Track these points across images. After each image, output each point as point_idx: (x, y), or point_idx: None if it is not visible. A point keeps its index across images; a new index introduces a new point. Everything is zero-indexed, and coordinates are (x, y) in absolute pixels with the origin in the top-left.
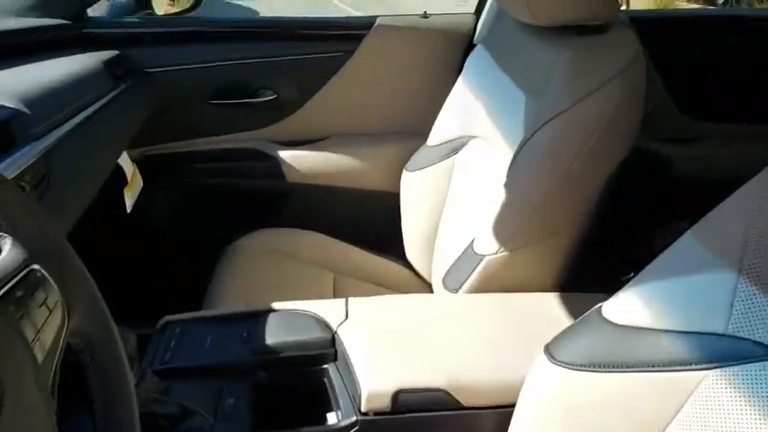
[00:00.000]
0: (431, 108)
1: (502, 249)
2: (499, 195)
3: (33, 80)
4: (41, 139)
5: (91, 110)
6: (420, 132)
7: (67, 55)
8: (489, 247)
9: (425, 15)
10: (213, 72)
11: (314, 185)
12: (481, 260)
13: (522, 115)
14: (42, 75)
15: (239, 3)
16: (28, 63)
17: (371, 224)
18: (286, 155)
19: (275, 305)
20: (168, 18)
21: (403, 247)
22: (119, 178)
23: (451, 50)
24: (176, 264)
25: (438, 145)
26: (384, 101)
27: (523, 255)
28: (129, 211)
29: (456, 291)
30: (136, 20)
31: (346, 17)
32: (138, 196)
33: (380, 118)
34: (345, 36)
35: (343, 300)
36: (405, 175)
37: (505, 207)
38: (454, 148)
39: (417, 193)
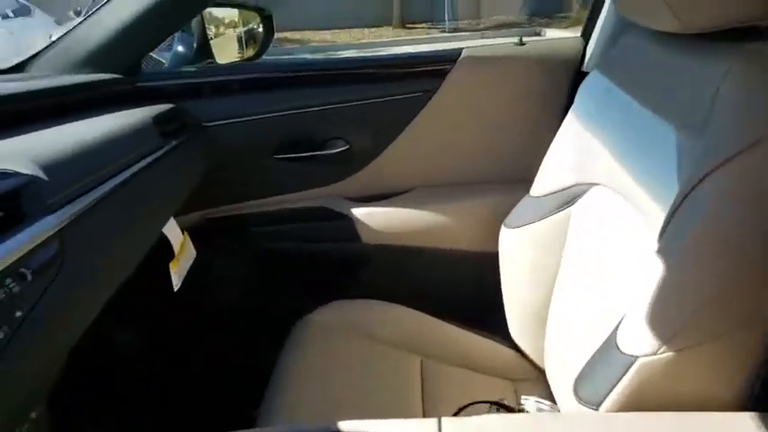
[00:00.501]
0: (534, 150)
1: (664, 349)
2: (650, 270)
3: (63, 141)
4: (59, 211)
5: (129, 173)
6: (521, 180)
7: (118, 110)
8: (643, 344)
9: (521, 42)
10: (276, 123)
11: (395, 247)
12: (632, 363)
13: (671, 158)
14: (78, 134)
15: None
16: (72, 121)
17: (465, 294)
18: (362, 212)
19: (348, 427)
20: (228, 66)
21: (505, 321)
22: (163, 250)
23: (556, 81)
24: (236, 349)
25: (546, 195)
26: (475, 144)
27: (696, 356)
28: (176, 290)
29: (597, 406)
30: (192, 69)
31: (426, 51)
32: (190, 269)
33: (472, 165)
34: (426, 73)
35: (435, 421)
36: (505, 232)
37: (665, 289)
38: (568, 198)
39: (522, 254)
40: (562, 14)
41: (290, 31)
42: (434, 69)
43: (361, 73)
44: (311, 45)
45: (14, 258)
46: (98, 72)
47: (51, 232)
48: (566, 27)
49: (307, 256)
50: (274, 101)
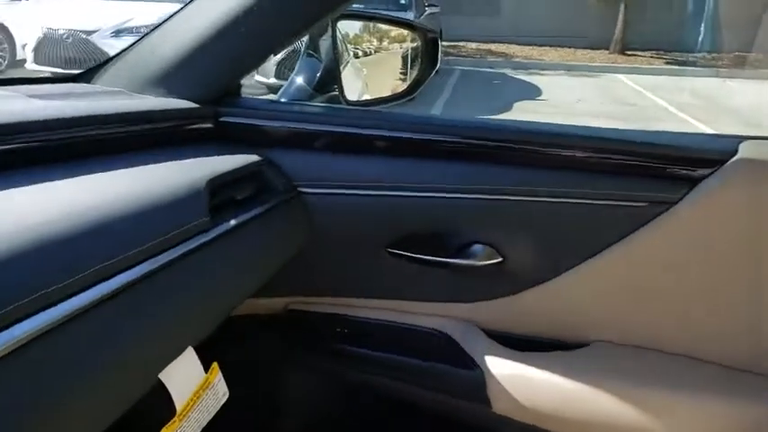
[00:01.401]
0: None
1: None
2: None
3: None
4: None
5: (138, 271)
6: None
7: (185, 155)
8: None
9: None
10: (400, 206)
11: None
12: None
13: None
14: (86, 200)
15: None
16: (107, 167)
17: None
18: (502, 363)
19: None
20: (352, 112)
21: None
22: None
23: None
24: None
25: None
26: (721, 306)
27: None
28: None
29: None
30: (295, 109)
31: (666, 134)
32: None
33: (704, 336)
34: (662, 171)
35: None
36: None
37: None
38: None
39: None
40: None
41: (497, 43)
42: (682, 169)
43: (548, 153)
44: (515, 60)
45: None
46: (173, 96)
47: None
48: None
49: (404, 405)
50: (406, 172)
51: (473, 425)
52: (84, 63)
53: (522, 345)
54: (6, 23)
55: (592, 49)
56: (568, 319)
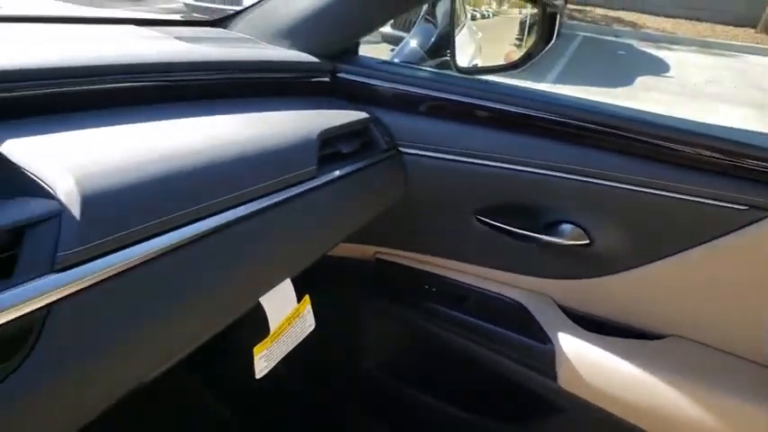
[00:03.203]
0: None
1: None
2: None
3: (164, 148)
4: (71, 271)
5: (237, 212)
6: None
7: (301, 106)
8: None
9: None
10: (493, 176)
11: (612, 419)
12: None
13: None
14: (203, 138)
15: (646, 50)
16: (231, 109)
17: None
18: (576, 343)
19: None
20: (460, 78)
21: None
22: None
23: None
24: None
25: None
26: None
27: None
28: (258, 377)
29: None
30: (406, 72)
31: None
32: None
33: None
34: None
35: None
36: None
37: None
38: None
39: None
40: None
41: (627, 11)
42: None
43: (653, 143)
44: (644, 31)
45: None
46: (297, 49)
47: (33, 306)
48: None
49: (474, 364)
50: (504, 144)
51: (537, 395)
52: None
53: (596, 327)
54: None
55: (735, 26)
56: (647, 309)
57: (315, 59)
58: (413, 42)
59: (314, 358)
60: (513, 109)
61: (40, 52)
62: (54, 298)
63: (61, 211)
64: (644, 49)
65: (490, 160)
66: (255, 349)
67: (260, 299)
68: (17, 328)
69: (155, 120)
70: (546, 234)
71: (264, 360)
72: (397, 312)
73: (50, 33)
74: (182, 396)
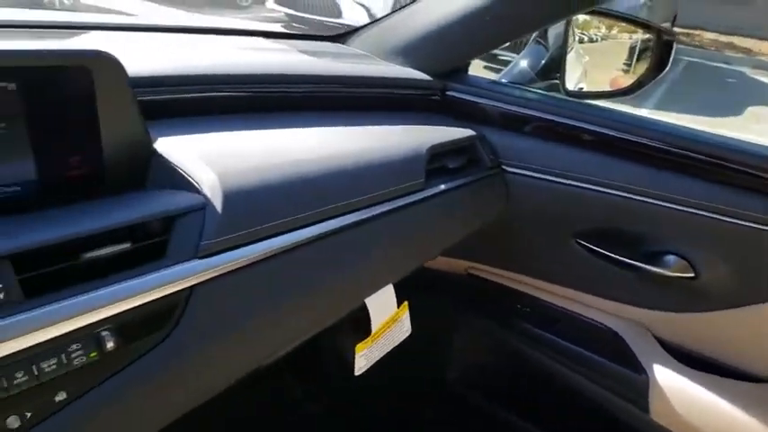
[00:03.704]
0: None
1: None
2: None
3: (294, 155)
4: (212, 258)
5: (352, 218)
6: None
7: (411, 121)
8: None
9: None
10: (596, 200)
11: None
12: None
13: None
14: (323, 147)
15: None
16: (351, 121)
17: None
18: (673, 377)
19: None
20: (569, 104)
21: None
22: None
23: None
24: None
25: None
26: None
27: None
28: (357, 374)
29: None
30: (515, 93)
31: None
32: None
33: None
34: None
35: None
36: None
37: None
38: None
39: None
40: None
41: (741, 36)
42: None
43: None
44: (759, 59)
45: (107, 314)
46: (410, 66)
47: (179, 287)
48: None
49: (564, 388)
50: (609, 169)
51: (626, 424)
52: (317, 9)
53: (693, 361)
54: None
55: None
56: (751, 350)
57: (427, 77)
58: (522, 63)
59: (401, 363)
60: (618, 134)
61: (188, 60)
62: (197, 281)
63: (205, 205)
64: (758, 77)
65: (594, 184)
66: (357, 348)
67: (365, 300)
68: (167, 304)
69: (283, 127)
70: (648, 263)
71: (364, 359)
72: (486, 328)
73: (190, 42)
74: (271, 389)
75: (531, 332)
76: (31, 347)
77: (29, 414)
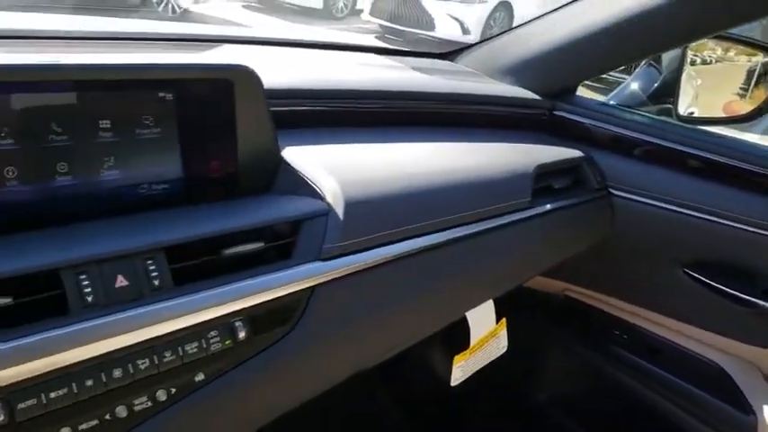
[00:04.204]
0: None
1: None
2: None
3: (406, 169)
4: (333, 261)
5: (458, 232)
6: None
7: (519, 140)
8: None
9: None
10: (709, 230)
11: None
12: None
13: None
14: (432, 164)
15: None
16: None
17: None
18: None
19: None
20: (679, 126)
21: None
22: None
23: None
24: None
25: None
26: None
27: None
28: (452, 384)
29: None
30: (624, 116)
31: None
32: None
33: None
34: None
35: None
36: None
37: None
38: None
39: None
40: None
41: None
42: None
43: None
44: None
45: (241, 306)
46: (517, 85)
47: (303, 286)
48: None
49: (661, 420)
50: (723, 199)
51: None
52: (411, 22)
53: None
54: None
55: None
56: None
57: (536, 96)
58: (634, 85)
59: (490, 378)
60: (732, 162)
61: (316, 74)
62: (318, 281)
63: (328, 211)
64: None
65: (705, 213)
66: (455, 359)
67: (466, 313)
68: (291, 301)
69: (399, 141)
70: (764, 299)
71: (461, 370)
72: (581, 352)
73: (309, 56)
74: (361, 394)
75: (629, 360)
76: (178, 330)
77: (173, 390)
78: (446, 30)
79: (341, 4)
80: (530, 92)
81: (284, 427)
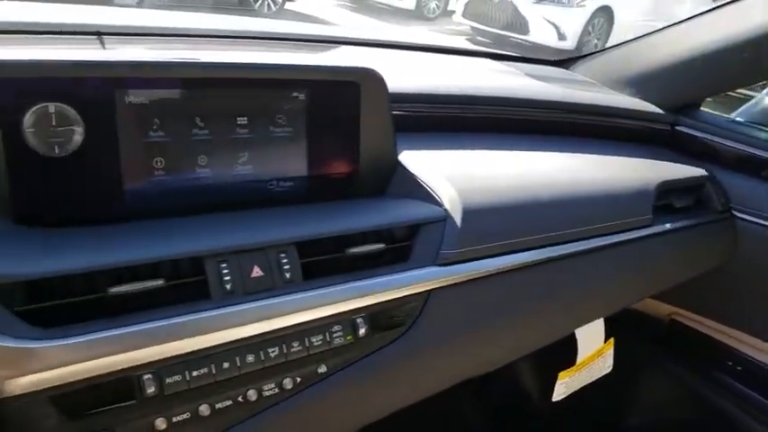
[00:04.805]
0: None
1: None
2: None
3: (531, 179)
4: (451, 267)
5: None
6: None
7: (639, 154)
8: None
9: None
10: None
11: None
12: None
13: None
14: (555, 175)
15: None
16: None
17: None
18: None
19: None
20: None
21: None
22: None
23: None
24: None
25: None
26: None
27: None
28: (554, 400)
29: None
30: (753, 133)
31: None
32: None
33: None
34: None
35: None
36: None
37: None
38: None
39: None
40: None
41: None
42: None
43: None
44: None
45: (363, 304)
46: (638, 97)
47: (420, 289)
48: None
49: None
50: None
51: None
52: (503, 24)
53: None
54: None
55: None
56: None
57: (657, 110)
58: (766, 102)
59: (588, 397)
60: None
61: (437, 79)
62: (434, 286)
63: (446, 217)
64: None
65: None
66: (560, 374)
67: (576, 330)
68: (408, 303)
69: (517, 149)
70: None
71: (564, 386)
72: (685, 379)
73: (423, 59)
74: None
75: (740, 392)
76: (305, 322)
77: (299, 379)
78: (541, 35)
79: (433, 5)
80: (651, 104)
81: (375, 428)
